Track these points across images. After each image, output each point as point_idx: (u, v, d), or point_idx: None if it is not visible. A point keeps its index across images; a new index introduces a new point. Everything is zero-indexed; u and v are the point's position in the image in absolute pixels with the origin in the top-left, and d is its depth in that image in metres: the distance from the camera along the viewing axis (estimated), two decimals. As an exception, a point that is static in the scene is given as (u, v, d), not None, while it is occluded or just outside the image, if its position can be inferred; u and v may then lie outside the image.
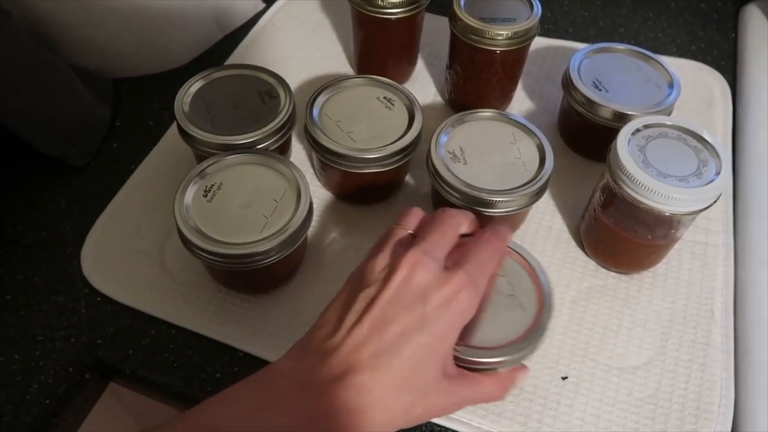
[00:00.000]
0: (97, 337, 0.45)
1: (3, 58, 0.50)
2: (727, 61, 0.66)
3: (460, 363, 0.36)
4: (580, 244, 0.49)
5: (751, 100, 0.60)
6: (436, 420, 0.41)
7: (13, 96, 0.51)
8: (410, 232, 0.37)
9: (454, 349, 0.35)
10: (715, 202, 0.41)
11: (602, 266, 0.48)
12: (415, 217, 0.38)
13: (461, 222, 0.37)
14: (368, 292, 0.33)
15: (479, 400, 0.37)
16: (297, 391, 0.31)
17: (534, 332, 0.37)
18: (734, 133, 0.58)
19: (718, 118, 0.59)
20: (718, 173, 0.41)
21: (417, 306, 0.32)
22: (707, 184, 0.40)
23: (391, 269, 0.33)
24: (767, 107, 0.59)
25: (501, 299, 0.38)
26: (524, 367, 0.38)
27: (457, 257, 0.34)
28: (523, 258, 0.40)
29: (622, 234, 0.44)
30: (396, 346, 0.31)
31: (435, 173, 0.45)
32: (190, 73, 0.51)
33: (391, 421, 0.32)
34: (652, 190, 0.39)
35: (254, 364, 0.43)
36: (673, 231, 0.43)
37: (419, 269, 0.32)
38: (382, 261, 0.34)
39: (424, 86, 0.63)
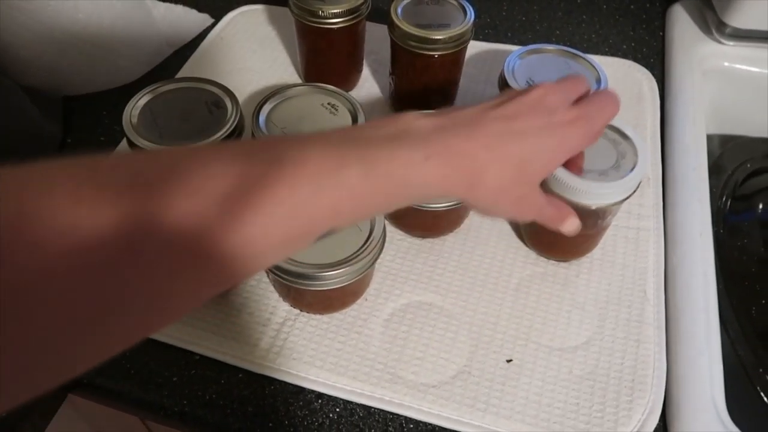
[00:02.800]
0: (53, 349, 0.45)
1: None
2: (656, 59, 0.70)
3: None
4: (521, 236, 0.52)
5: (678, 94, 0.64)
6: (377, 405, 0.42)
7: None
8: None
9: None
10: (634, 191, 0.44)
11: (542, 256, 0.50)
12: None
13: (587, 85, 0.39)
14: (501, 99, 0.36)
15: (548, 219, 0.38)
16: (433, 134, 0.31)
17: None
18: (663, 125, 0.61)
19: (647, 112, 0.62)
20: (635, 165, 0.44)
21: (544, 115, 0.34)
22: (626, 175, 0.43)
23: (526, 91, 0.36)
24: (692, 100, 0.63)
25: None
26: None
27: (583, 102, 0.37)
28: None
29: None
30: (520, 133, 0.33)
31: (378, 173, 0.47)
32: (140, 89, 0.52)
33: (495, 196, 0.33)
34: (574, 188, 0.42)
35: (211, 365, 0.44)
36: (600, 221, 0.46)
37: (551, 94, 0.36)
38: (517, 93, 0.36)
39: (370, 93, 0.65)
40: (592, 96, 0.38)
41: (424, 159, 0.30)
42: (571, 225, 0.39)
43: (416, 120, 0.32)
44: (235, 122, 0.50)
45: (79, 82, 0.63)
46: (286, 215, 0.26)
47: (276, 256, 0.28)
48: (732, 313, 0.55)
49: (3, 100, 0.54)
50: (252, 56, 0.68)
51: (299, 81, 0.66)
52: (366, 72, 0.66)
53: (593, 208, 0.43)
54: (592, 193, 0.42)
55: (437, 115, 0.33)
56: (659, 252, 0.51)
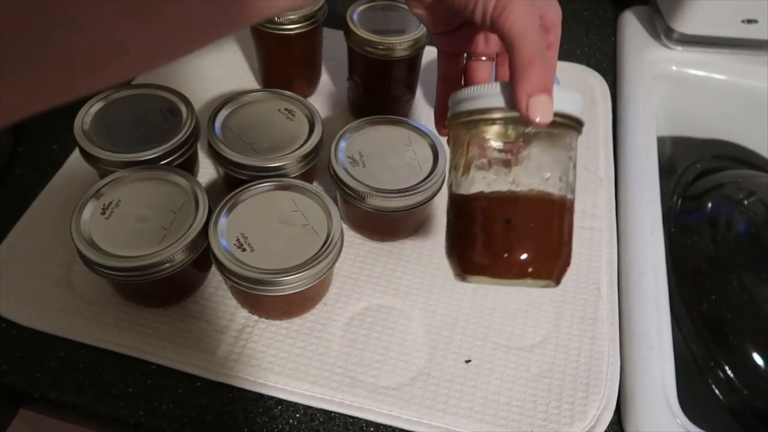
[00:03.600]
0: (3, 363, 0.44)
1: None
2: (608, 63, 0.72)
3: None
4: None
5: (629, 98, 0.65)
6: (337, 409, 0.42)
7: None
8: None
9: None
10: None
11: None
12: None
13: None
14: None
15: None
16: None
17: None
18: (615, 127, 0.63)
19: (599, 115, 0.64)
20: None
21: None
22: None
23: None
24: (643, 104, 0.65)
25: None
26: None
27: None
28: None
29: None
30: None
31: (336, 178, 0.48)
32: (93, 95, 0.51)
33: None
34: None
35: (167, 374, 0.44)
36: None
37: None
38: None
39: (329, 98, 0.65)
40: None
41: None
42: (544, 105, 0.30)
43: None
44: (191, 129, 0.50)
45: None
46: None
47: None
48: (684, 309, 0.57)
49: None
50: (210, 62, 0.68)
51: (257, 86, 0.66)
52: (325, 77, 0.67)
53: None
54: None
55: None
56: (612, 251, 0.52)
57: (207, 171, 0.57)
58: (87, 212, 0.43)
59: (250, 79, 0.67)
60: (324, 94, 0.66)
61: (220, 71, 0.67)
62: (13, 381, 0.43)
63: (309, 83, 0.64)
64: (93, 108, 0.50)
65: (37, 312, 0.46)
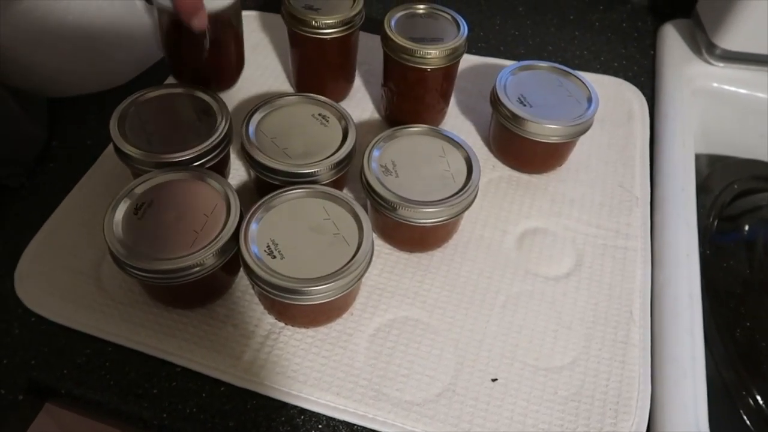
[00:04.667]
0: (31, 358, 0.44)
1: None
2: (647, 77, 0.71)
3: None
4: (511, 251, 0.52)
5: (668, 114, 0.64)
6: (360, 422, 0.42)
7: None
8: None
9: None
10: None
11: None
12: None
13: None
14: None
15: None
16: None
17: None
18: (652, 144, 0.62)
19: (637, 131, 0.62)
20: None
21: None
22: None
23: None
24: (682, 121, 0.63)
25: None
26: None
27: None
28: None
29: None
30: None
31: (368, 187, 0.47)
32: (129, 92, 0.52)
33: None
34: None
35: (192, 377, 0.43)
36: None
37: None
38: None
39: (361, 103, 0.64)
40: None
41: None
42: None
43: None
44: (225, 131, 0.50)
45: (66, 84, 0.63)
46: None
47: None
48: (716, 335, 0.55)
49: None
50: (247, 63, 0.67)
51: (290, 89, 0.66)
52: (358, 82, 0.66)
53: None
54: None
55: None
56: (646, 272, 0.51)
57: (237, 173, 0.56)
58: (120, 211, 0.43)
59: (283, 81, 0.67)
60: (356, 99, 0.65)
61: (253, 71, 0.67)
62: (40, 376, 0.44)
63: (342, 87, 0.64)
64: (129, 106, 0.50)
65: (65, 308, 0.46)
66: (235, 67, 0.62)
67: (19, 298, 0.47)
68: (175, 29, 0.53)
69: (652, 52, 0.74)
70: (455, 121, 0.63)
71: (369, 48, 0.65)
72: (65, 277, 0.48)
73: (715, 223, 0.66)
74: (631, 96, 0.66)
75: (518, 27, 0.77)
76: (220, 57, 0.58)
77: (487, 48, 0.73)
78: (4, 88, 0.55)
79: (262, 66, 0.68)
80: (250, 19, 0.74)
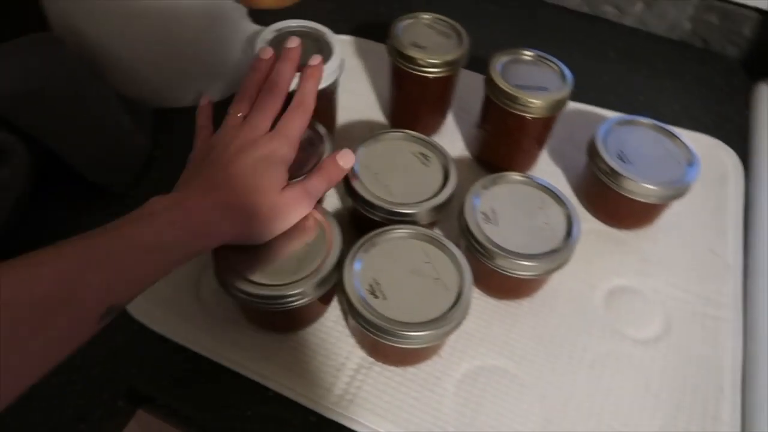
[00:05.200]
0: (132, 366, 0.46)
1: (55, 84, 0.52)
2: (740, 137, 0.70)
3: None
4: (600, 307, 0.51)
5: (764, 177, 0.63)
6: (456, 473, 0.42)
7: (62, 120, 0.53)
8: (240, 115, 0.49)
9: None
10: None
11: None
12: (247, 101, 0.49)
13: (284, 86, 0.50)
14: (213, 155, 0.45)
15: (322, 185, 0.47)
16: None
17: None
18: (746, 210, 0.61)
19: (730, 194, 0.61)
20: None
21: (255, 151, 0.45)
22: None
23: (231, 140, 0.45)
24: (778, 186, 0.62)
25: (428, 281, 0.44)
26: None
27: (279, 124, 0.47)
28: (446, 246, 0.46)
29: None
30: (242, 172, 0.43)
31: (468, 233, 0.48)
32: (226, 107, 0.53)
33: (249, 225, 0.42)
34: None
35: (284, 403, 0.45)
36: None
37: (252, 135, 0.46)
38: (224, 136, 0.47)
39: (452, 139, 0.65)
40: (283, 119, 0.48)
41: (169, 225, 0.38)
42: (347, 161, 0.48)
43: (159, 200, 0.40)
44: (329, 162, 0.51)
45: (170, 96, 0.65)
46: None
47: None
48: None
49: (101, 107, 0.56)
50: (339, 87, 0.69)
51: (383, 117, 0.67)
52: (449, 118, 0.67)
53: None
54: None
55: (174, 194, 0.42)
56: (737, 345, 0.50)
57: (330, 201, 0.58)
58: (230, 236, 0.45)
59: (377, 110, 0.68)
60: (447, 134, 0.66)
61: (347, 98, 0.67)
62: (140, 384, 0.45)
63: (436, 122, 0.65)
64: (240, 129, 0.52)
65: (168, 319, 0.48)
66: (331, 129, 0.63)
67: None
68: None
69: (746, 112, 0.73)
70: (546, 166, 0.63)
71: (463, 84, 0.65)
72: (168, 289, 0.50)
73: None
74: (726, 157, 0.65)
75: (609, 73, 0.77)
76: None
77: (577, 93, 0.73)
78: (116, 97, 0.58)
79: (356, 93, 0.69)
80: (345, 44, 0.75)
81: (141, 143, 0.60)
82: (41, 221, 0.54)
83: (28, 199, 0.53)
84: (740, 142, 0.69)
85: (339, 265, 0.44)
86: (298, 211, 0.45)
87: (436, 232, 0.47)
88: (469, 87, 0.65)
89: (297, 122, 0.48)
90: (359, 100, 0.68)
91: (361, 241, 0.45)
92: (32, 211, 0.53)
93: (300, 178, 0.49)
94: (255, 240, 0.43)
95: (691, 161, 0.55)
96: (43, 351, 0.31)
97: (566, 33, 0.83)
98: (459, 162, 0.62)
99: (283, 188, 0.44)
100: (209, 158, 0.45)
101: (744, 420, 0.46)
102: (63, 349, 0.32)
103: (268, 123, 0.47)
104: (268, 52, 0.52)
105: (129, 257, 0.35)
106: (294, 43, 0.52)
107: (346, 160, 0.48)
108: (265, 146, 0.45)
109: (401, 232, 0.47)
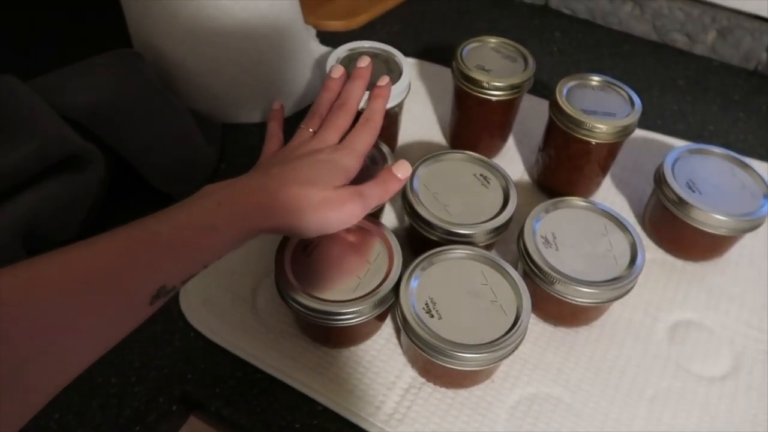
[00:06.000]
0: (188, 372, 0.47)
1: (133, 97, 0.55)
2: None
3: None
4: (662, 341, 0.49)
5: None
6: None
7: (138, 132, 0.55)
8: (312, 130, 0.50)
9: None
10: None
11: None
12: (318, 117, 0.51)
13: (353, 105, 0.51)
14: (278, 159, 0.47)
15: (378, 193, 0.45)
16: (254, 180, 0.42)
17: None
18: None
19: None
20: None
21: (319, 155, 0.45)
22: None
23: (300, 152, 0.46)
24: None
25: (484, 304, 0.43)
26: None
27: (347, 139, 0.48)
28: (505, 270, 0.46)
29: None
30: (301, 165, 0.44)
31: (527, 256, 0.47)
32: (292, 125, 0.54)
33: (299, 212, 0.41)
34: None
35: (332, 418, 0.44)
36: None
37: (318, 148, 0.47)
38: (293, 149, 0.47)
39: (513, 162, 0.65)
40: (353, 132, 0.49)
41: (217, 204, 0.38)
42: (403, 172, 0.47)
43: (211, 185, 0.42)
44: (389, 180, 0.51)
45: (238, 112, 0.67)
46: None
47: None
48: None
49: (174, 121, 0.58)
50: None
51: (443, 139, 0.67)
52: (510, 141, 0.66)
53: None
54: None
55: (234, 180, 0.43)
56: (812, 389, 0.47)
57: (388, 220, 0.58)
58: (290, 247, 0.45)
59: (437, 131, 0.68)
60: (508, 157, 0.65)
61: (408, 119, 0.68)
62: (194, 390, 0.46)
63: (497, 145, 0.64)
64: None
65: (223, 328, 0.49)
66: (393, 147, 0.64)
67: (182, 312, 0.50)
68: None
69: (821, 144, 0.69)
70: (607, 193, 0.62)
71: (525, 108, 0.65)
72: (224, 298, 0.51)
73: None
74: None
75: (678, 102, 0.75)
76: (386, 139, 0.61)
77: (644, 121, 0.71)
78: (188, 110, 0.60)
79: (418, 114, 0.70)
80: (409, 66, 0.76)
81: (210, 156, 0.62)
82: (108, 229, 0.56)
83: (100, 207, 0.55)
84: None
85: (397, 285, 0.44)
86: (350, 209, 0.43)
87: (502, 260, 0.46)
88: (532, 111, 0.65)
89: (363, 138, 0.48)
90: (421, 121, 0.69)
91: (419, 259, 0.45)
92: (101, 219, 0.56)
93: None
94: (303, 231, 0.42)
95: (766, 194, 0.52)
96: (95, 331, 0.31)
97: (633, 60, 0.81)
98: (519, 185, 0.62)
99: (337, 186, 0.43)
100: (273, 158, 0.46)
101: (820, 470, 0.43)
102: (116, 331, 0.33)
103: (337, 138, 0.48)
104: (339, 71, 0.53)
105: (177, 238, 0.36)
106: (365, 62, 0.53)
107: (402, 170, 0.47)
108: (329, 154, 0.45)
109: (460, 252, 0.46)
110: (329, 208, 0.42)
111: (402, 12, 0.88)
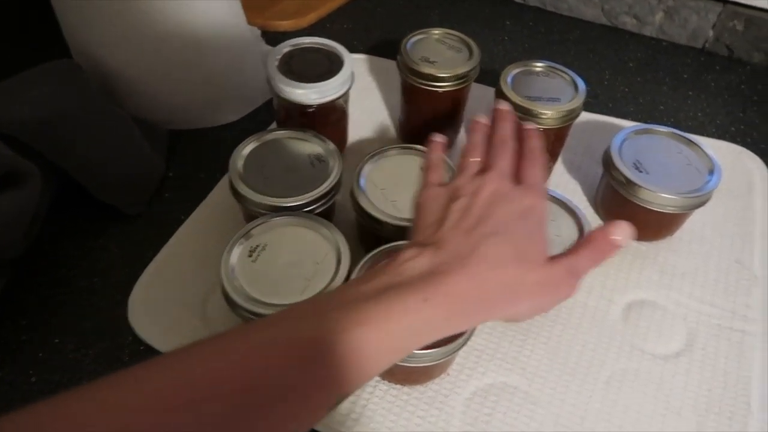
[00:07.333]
0: (139, 386, 0.46)
1: (72, 110, 0.54)
2: (767, 144, 0.67)
3: None
4: (617, 322, 0.50)
5: (792, 187, 0.60)
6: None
7: (79, 145, 0.54)
8: (479, 160, 0.41)
9: None
10: None
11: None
12: (479, 151, 0.42)
13: (513, 142, 0.41)
14: (461, 203, 0.37)
15: (587, 264, 0.36)
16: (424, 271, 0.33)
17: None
18: (774, 218, 0.58)
19: (757, 204, 0.59)
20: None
21: (510, 204, 0.36)
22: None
23: (479, 187, 0.37)
24: (808, 195, 0.59)
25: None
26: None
27: (521, 176, 0.39)
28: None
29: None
30: (503, 230, 0.35)
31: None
32: (242, 129, 0.54)
33: (514, 303, 0.34)
34: None
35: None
36: None
37: (502, 182, 0.38)
38: (467, 182, 0.38)
39: (465, 154, 0.64)
40: (527, 168, 0.39)
41: (423, 301, 0.31)
42: (623, 235, 0.36)
43: (409, 262, 0.33)
44: (336, 178, 0.51)
45: (186, 118, 0.66)
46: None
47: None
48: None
49: (117, 132, 0.57)
50: (351, 105, 0.69)
51: (395, 134, 0.67)
52: (463, 132, 0.66)
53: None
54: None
55: (428, 252, 0.34)
56: (766, 360, 0.47)
57: (339, 218, 0.57)
58: (235, 253, 0.45)
59: (389, 125, 0.68)
60: (461, 149, 0.65)
61: (360, 115, 0.68)
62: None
63: (449, 137, 0.63)
64: (247, 148, 0.52)
65: (173, 340, 0.48)
66: (342, 142, 0.64)
67: (131, 326, 0.49)
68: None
69: (774, 118, 0.70)
70: (560, 179, 0.62)
71: (476, 98, 0.65)
72: (174, 309, 0.50)
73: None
74: (752, 165, 0.63)
75: (628, 84, 0.75)
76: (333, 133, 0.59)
77: (595, 104, 0.72)
78: (131, 119, 0.59)
79: (370, 110, 0.69)
80: (359, 62, 0.75)
81: (156, 165, 0.61)
82: (54, 244, 0.55)
83: (43, 222, 0.54)
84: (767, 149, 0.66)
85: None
86: (564, 292, 0.35)
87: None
88: (484, 101, 0.65)
89: (539, 171, 0.40)
90: (373, 116, 0.68)
91: (367, 257, 0.45)
92: (46, 234, 0.54)
93: (306, 195, 0.49)
94: (512, 319, 0.36)
95: (711, 169, 0.53)
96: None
97: (584, 45, 0.82)
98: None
99: (548, 260, 0.35)
100: (454, 209, 0.36)
101: (774, 440, 0.43)
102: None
103: (511, 170, 0.39)
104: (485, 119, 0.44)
105: (375, 347, 0.29)
106: (504, 106, 0.44)
107: (622, 231, 0.36)
108: (521, 200, 0.37)
109: (406, 246, 0.46)
110: (544, 292, 0.35)
111: (352, 9, 0.88)
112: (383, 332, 0.29)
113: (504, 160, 0.40)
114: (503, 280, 0.33)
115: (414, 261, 0.33)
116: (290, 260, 0.44)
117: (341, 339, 0.28)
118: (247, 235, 0.46)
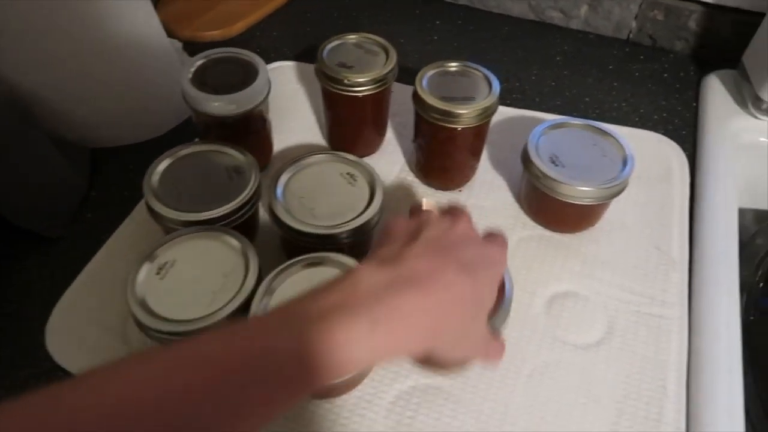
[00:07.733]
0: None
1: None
2: (688, 131, 0.69)
3: None
4: (540, 315, 0.50)
5: (710, 170, 0.62)
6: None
7: (-10, 169, 0.53)
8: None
9: None
10: None
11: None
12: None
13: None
14: (432, 232, 0.36)
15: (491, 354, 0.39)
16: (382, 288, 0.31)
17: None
18: (692, 203, 0.59)
19: (675, 189, 0.60)
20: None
21: (479, 248, 0.36)
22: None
23: (452, 224, 0.37)
24: (724, 177, 0.61)
25: None
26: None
27: (487, 238, 0.39)
28: None
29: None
30: (468, 269, 0.34)
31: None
32: (167, 143, 0.53)
33: (456, 341, 0.35)
34: None
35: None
36: None
37: (472, 230, 0.38)
38: (440, 220, 0.38)
39: (393, 156, 0.64)
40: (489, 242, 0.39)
41: (369, 331, 0.29)
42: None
43: (365, 278, 0.32)
44: (253, 189, 0.50)
45: (108, 135, 0.65)
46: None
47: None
48: (760, 409, 0.52)
49: (30, 150, 0.56)
50: (278, 113, 0.68)
51: (323, 140, 0.66)
52: (390, 134, 0.66)
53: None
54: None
55: (387, 267, 0.32)
56: (682, 343, 0.48)
57: (266, 230, 0.57)
58: (143, 272, 0.44)
59: (316, 132, 0.67)
60: (388, 152, 0.65)
61: (287, 123, 0.68)
62: None
63: (374, 140, 0.64)
64: (162, 165, 0.52)
65: (93, 364, 0.47)
66: (268, 151, 0.63)
67: (49, 353, 0.48)
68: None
69: (694, 105, 0.72)
70: (486, 176, 0.62)
71: (401, 100, 0.65)
72: (94, 333, 0.49)
73: (761, 285, 0.63)
74: (671, 152, 0.64)
75: (556, 78, 0.76)
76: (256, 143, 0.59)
77: (523, 100, 0.73)
78: (48, 139, 0.57)
79: (297, 117, 0.69)
80: (285, 69, 0.75)
81: (77, 185, 0.60)
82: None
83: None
84: (689, 135, 0.68)
85: (251, 296, 0.43)
86: (487, 360, 0.40)
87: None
88: (409, 103, 0.65)
89: (501, 241, 0.39)
90: (300, 124, 0.68)
91: (278, 270, 0.44)
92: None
93: (221, 208, 0.48)
94: (444, 366, 0.38)
95: (625, 159, 0.54)
96: None
97: (513, 41, 0.82)
98: (400, 178, 0.62)
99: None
100: (423, 237, 0.35)
101: (689, 420, 0.44)
102: None
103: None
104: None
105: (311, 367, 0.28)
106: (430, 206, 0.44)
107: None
108: (489, 248, 0.37)
109: (318, 257, 0.45)
110: (477, 351, 0.38)
111: (282, 16, 0.87)
112: (322, 356, 0.28)
113: (470, 220, 0.40)
114: (457, 312, 0.33)
115: (370, 276, 0.32)
116: (197, 274, 0.44)
117: (274, 359, 0.28)
118: (151, 257, 0.45)
